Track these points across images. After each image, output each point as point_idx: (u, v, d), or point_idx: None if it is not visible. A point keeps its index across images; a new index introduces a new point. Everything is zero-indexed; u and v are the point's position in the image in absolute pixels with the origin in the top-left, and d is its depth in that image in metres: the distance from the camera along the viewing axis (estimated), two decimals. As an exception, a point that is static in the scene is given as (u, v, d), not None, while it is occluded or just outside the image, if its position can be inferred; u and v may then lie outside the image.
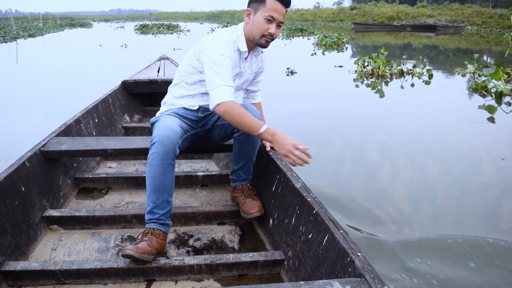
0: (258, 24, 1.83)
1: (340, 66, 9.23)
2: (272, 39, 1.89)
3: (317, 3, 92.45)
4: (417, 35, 23.83)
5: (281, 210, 1.90)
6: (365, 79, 7.89)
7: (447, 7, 37.34)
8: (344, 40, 16.40)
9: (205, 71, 1.82)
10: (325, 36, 17.33)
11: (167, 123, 1.79)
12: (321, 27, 32.42)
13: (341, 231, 1.46)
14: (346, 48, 14.93)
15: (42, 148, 2.16)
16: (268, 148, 2.13)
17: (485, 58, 12.67)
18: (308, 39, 19.50)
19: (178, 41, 18.20)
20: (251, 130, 1.77)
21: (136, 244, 1.65)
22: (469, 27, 29.43)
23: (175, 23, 35.20)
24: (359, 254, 1.32)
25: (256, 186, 2.17)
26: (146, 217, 1.74)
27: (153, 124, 1.98)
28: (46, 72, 8.69)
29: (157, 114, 2.06)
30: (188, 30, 27.57)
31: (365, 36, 22.59)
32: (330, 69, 9.16)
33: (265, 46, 1.92)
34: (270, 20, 1.82)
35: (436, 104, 5.96)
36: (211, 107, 1.79)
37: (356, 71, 8.44)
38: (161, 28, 29.03)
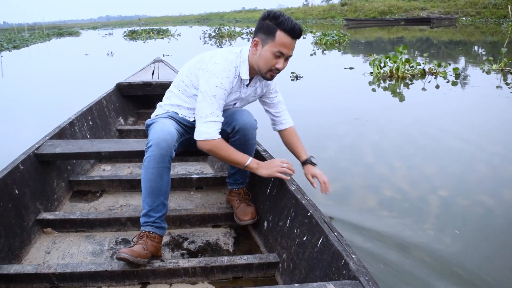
0: (265, 58, 1.74)
1: (351, 68, 8.46)
2: (279, 73, 1.82)
3: (306, 1, 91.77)
4: (412, 29, 23.41)
5: (275, 212, 1.91)
6: (381, 81, 7.02)
7: (439, -1, 37.31)
8: (345, 38, 15.58)
9: (198, 96, 1.81)
10: (324, 34, 16.39)
11: (164, 125, 1.79)
12: (312, 25, 31.55)
13: (335, 234, 1.46)
14: (349, 47, 14.11)
15: (36, 151, 2.15)
16: (315, 186, 1.94)
17: (482, 49, 12.36)
18: (304, 37, 18.96)
19: (169, 46, 17.63)
20: (238, 164, 1.85)
21: (131, 247, 1.64)
22: (464, 18, 28.99)
23: (165, 28, 34.31)
24: (353, 256, 1.33)
25: (251, 188, 2.17)
26: (142, 220, 1.74)
27: (148, 126, 1.97)
28: (32, 83, 8.44)
29: (153, 115, 2.05)
30: (179, 34, 26.91)
31: (358, 32, 22.26)
32: (339, 71, 8.31)
33: (269, 80, 1.85)
34: (279, 55, 1.73)
35: (472, 109, 5.12)
36: (195, 138, 1.80)
37: (371, 73, 7.55)
38: (151, 33, 28.48)
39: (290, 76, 7.48)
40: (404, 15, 33.60)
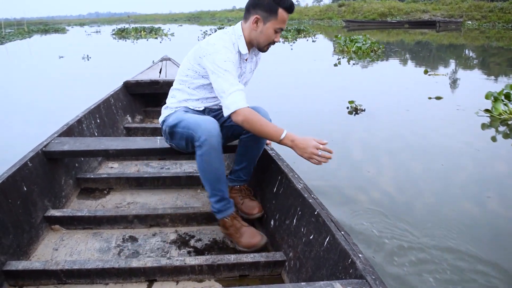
0: (267, 34, 1.86)
1: (438, 98, 5.88)
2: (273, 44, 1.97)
3: (297, 1, 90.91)
4: (418, 32, 22.16)
5: (282, 211, 1.91)
6: (500, 125, 4.64)
7: (441, 1, 35.82)
8: (379, 45, 12.62)
9: (211, 78, 1.81)
10: (351, 40, 13.19)
11: (200, 117, 1.83)
12: (309, 25, 29.84)
13: (342, 233, 1.46)
14: (385, 56, 11.36)
15: (44, 148, 2.16)
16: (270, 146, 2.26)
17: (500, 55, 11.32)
18: (313, 41, 17.76)
19: (161, 47, 15.65)
20: (272, 137, 1.73)
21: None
22: (469, 22, 28.07)
23: (156, 26, 31.88)
24: (360, 255, 1.32)
25: (258, 187, 2.17)
26: (222, 205, 1.88)
27: (173, 126, 1.93)
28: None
29: (161, 118, 2.05)
30: (172, 34, 24.96)
31: (358, 35, 21.24)
32: (420, 102, 5.73)
33: (265, 52, 1.98)
34: (278, 31, 1.87)
35: None
36: (226, 114, 1.76)
37: (487, 111, 5.01)
38: (142, 32, 26.55)
39: (348, 108, 5.24)
40: (405, 17, 32.70)
